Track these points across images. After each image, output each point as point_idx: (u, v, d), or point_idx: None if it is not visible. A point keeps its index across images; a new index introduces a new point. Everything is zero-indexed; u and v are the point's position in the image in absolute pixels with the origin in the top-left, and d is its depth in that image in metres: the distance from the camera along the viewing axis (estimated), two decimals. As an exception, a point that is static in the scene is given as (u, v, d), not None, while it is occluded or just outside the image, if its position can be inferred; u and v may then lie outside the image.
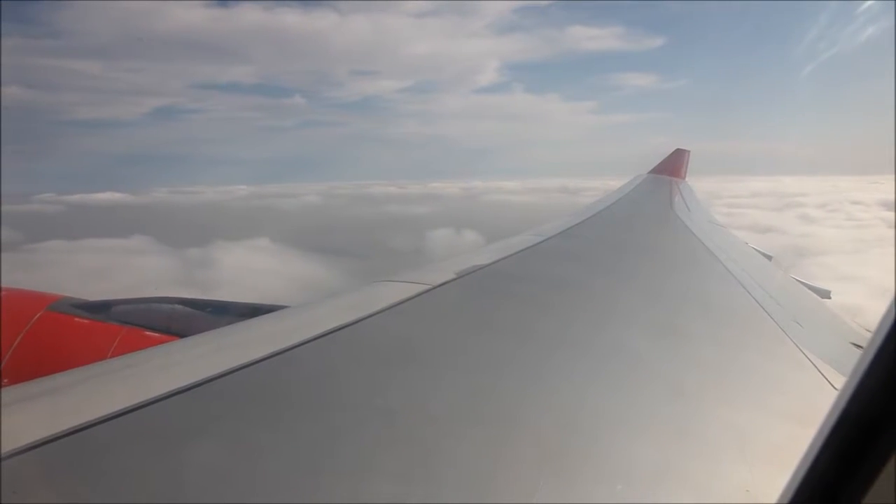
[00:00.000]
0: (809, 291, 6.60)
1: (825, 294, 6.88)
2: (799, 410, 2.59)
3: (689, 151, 16.58)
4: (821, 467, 0.93)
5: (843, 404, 0.90)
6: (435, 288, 3.48)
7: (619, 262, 5.72)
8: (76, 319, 4.45)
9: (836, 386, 2.79)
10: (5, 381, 3.67)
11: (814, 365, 3.08)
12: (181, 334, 3.63)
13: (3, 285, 4.58)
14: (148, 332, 4.32)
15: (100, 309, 4.59)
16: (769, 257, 8.33)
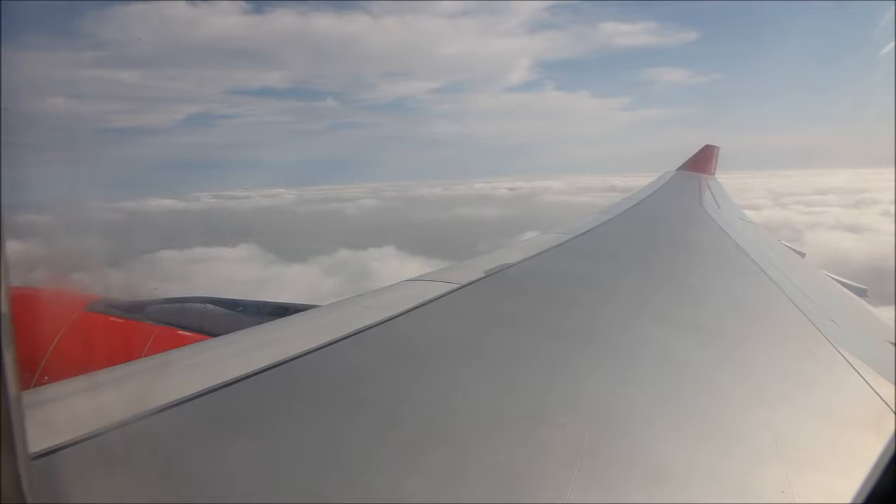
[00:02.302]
0: (845, 289, 6.45)
1: (861, 292, 6.71)
2: (835, 410, 2.54)
3: (718, 147, 16.30)
4: None
5: None
6: (463, 287, 3.49)
7: (649, 259, 5.67)
8: (112, 319, 4.55)
9: (872, 385, 2.73)
10: (46, 378, 3.77)
11: (850, 364, 3.02)
12: (213, 333, 3.69)
13: (41, 286, 4.70)
14: (181, 332, 4.40)
15: (134, 309, 4.69)
16: (802, 254, 8.17)
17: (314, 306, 3.55)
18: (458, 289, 3.44)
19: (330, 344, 2.46)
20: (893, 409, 2.48)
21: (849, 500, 1.06)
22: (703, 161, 15.55)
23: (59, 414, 1.75)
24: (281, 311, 4.13)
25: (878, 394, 2.63)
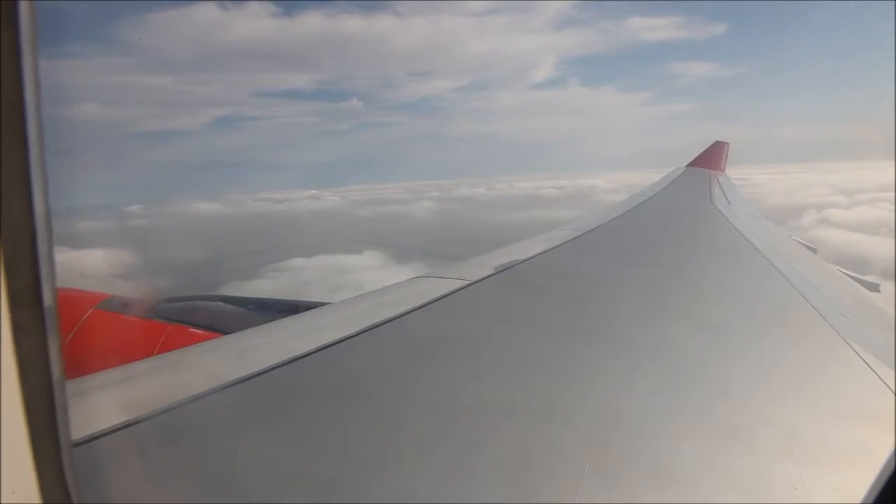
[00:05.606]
0: (857, 284, 6.40)
1: (874, 287, 6.65)
2: (847, 405, 2.53)
3: (727, 143, 16.24)
4: None
5: None
6: (473, 284, 3.49)
7: (659, 256, 5.65)
8: (124, 317, 4.59)
9: (884, 380, 2.71)
10: None
11: (862, 359, 3.00)
12: (224, 331, 3.72)
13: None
14: (192, 329, 4.43)
15: (146, 307, 4.72)
16: (814, 250, 8.11)
17: (324, 304, 3.57)
18: (469, 285, 3.45)
19: (340, 341, 2.47)
20: None
21: (861, 496, 1.06)
22: (713, 157, 15.49)
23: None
24: (291, 308, 4.15)
25: (889, 388, 2.62)
